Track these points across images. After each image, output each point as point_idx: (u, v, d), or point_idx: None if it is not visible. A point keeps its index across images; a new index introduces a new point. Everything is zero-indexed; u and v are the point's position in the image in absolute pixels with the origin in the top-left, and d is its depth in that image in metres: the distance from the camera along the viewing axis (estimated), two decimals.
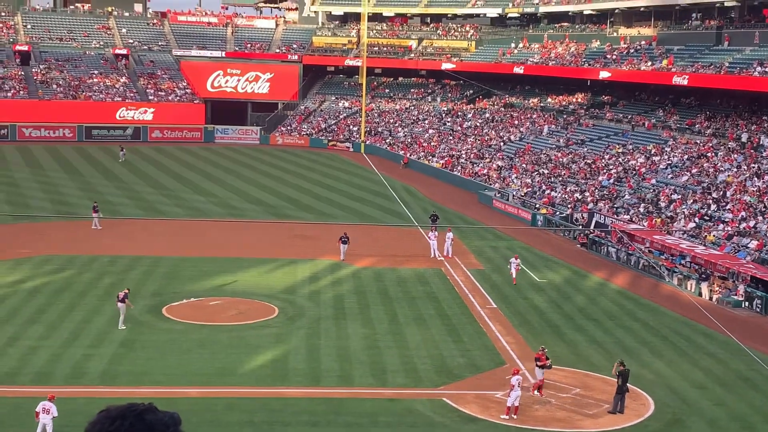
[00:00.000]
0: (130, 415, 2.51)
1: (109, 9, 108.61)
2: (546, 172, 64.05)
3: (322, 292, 37.98)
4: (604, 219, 50.70)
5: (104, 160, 75.00)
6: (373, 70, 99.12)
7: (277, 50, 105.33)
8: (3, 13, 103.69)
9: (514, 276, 40.34)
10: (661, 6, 72.87)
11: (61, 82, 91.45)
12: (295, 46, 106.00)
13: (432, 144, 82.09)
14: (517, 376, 25.14)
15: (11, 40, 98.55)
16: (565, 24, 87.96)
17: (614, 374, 25.77)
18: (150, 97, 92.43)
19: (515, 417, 24.85)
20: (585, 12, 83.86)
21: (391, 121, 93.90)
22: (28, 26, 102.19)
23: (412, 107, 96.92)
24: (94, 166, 71.81)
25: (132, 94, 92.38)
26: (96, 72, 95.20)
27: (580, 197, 56.16)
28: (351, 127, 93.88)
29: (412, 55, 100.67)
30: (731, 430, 24.79)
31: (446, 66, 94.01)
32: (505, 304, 36.98)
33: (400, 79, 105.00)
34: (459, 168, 72.43)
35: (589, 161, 63.48)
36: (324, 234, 46.53)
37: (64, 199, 57.42)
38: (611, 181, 57.80)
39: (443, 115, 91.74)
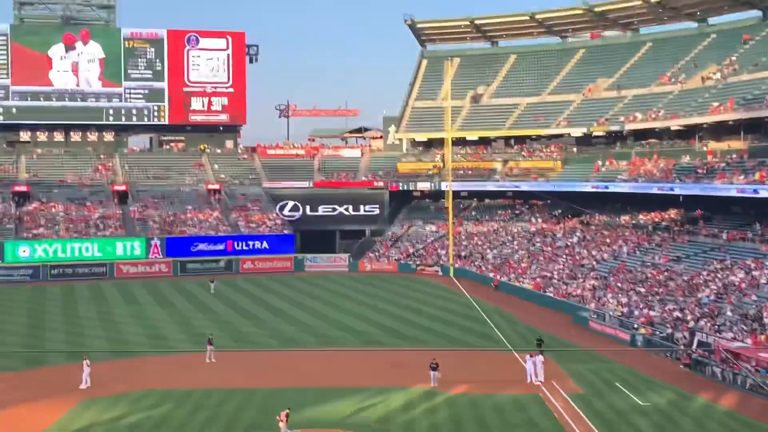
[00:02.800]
0: None
1: (202, 147, 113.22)
2: (642, 290, 62.52)
3: (417, 421, 37.18)
4: (707, 337, 48.87)
5: (198, 293, 76.35)
6: (458, 193, 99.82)
7: (364, 178, 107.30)
8: (102, 156, 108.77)
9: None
10: (749, 119, 71.99)
11: (156, 219, 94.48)
12: (380, 172, 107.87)
13: (522, 265, 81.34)
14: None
15: (110, 180, 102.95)
16: (653, 140, 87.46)
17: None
18: (242, 229, 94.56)
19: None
20: (672, 128, 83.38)
21: (480, 243, 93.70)
22: (126, 167, 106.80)
23: (500, 228, 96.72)
24: (189, 300, 73.09)
25: (224, 227, 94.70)
26: (190, 207, 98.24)
27: (679, 315, 54.43)
28: (439, 250, 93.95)
29: (497, 177, 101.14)
30: None
31: (533, 186, 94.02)
32: (609, 430, 35.52)
33: (486, 201, 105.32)
34: (551, 289, 71.34)
35: (686, 278, 61.80)
36: (416, 360, 45.90)
37: (160, 333, 58.31)
38: (711, 297, 56.00)
39: (532, 235, 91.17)
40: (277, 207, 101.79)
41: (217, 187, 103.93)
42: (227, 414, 38.07)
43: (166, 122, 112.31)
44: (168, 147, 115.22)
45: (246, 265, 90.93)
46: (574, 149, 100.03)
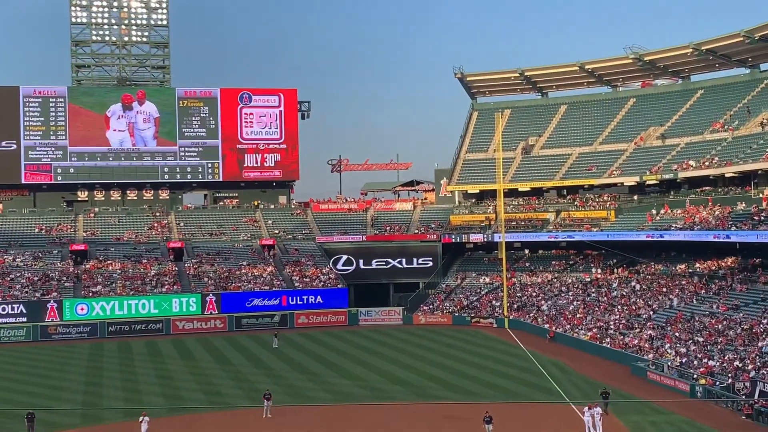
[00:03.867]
0: None
1: (256, 203, 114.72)
2: (701, 340, 61.39)
3: None
4: None
5: (253, 348, 76.74)
6: (512, 245, 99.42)
7: (416, 231, 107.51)
8: (158, 213, 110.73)
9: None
10: None
11: (211, 275, 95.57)
12: (433, 225, 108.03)
13: (578, 316, 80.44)
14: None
15: (165, 238, 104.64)
16: (707, 188, 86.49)
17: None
18: (296, 284, 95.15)
19: None
20: (726, 175, 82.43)
21: (534, 294, 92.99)
22: (181, 224, 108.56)
23: (555, 279, 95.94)
24: (244, 355, 73.48)
25: (278, 282, 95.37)
26: (244, 263, 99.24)
27: (739, 365, 53.29)
28: (493, 302, 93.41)
29: (551, 227, 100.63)
30: None
31: (586, 236, 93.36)
32: None
33: (540, 251, 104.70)
34: (608, 340, 70.36)
35: (745, 327, 60.59)
36: (472, 414, 45.47)
37: (216, 389, 58.64)
38: None
39: (587, 285, 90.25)
40: (331, 261, 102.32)
41: (270, 242, 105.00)
42: None
43: (220, 179, 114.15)
44: (222, 204, 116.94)
45: (300, 319, 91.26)
46: (630, 198, 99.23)
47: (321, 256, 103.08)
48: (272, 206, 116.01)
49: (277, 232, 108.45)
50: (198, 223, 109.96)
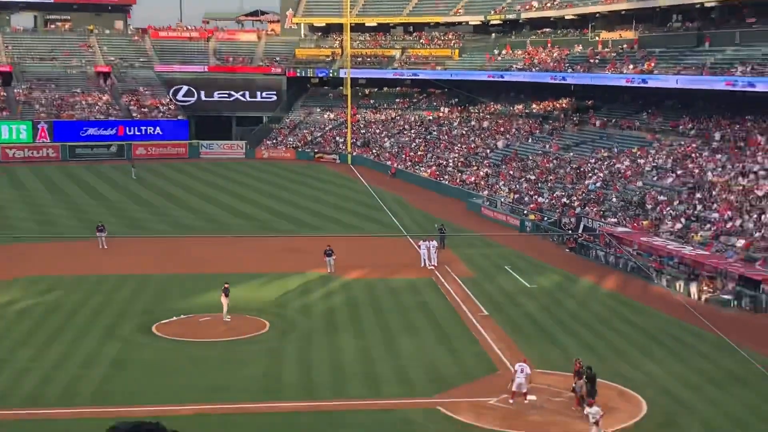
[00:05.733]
0: None
1: (90, 27, 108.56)
2: (533, 178, 64.19)
3: (313, 305, 37.87)
4: (592, 223, 50.82)
5: (89, 179, 74.71)
6: (357, 81, 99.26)
7: (260, 63, 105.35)
8: None
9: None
10: (641, 9, 73.14)
11: (43, 102, 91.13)
12: (278, 58, 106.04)
13: (419, 153, 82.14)
14: (521, 363, 26.37)
15: None
16: (547, 30, 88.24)
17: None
18: (133, 114, 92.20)
19: (513, 402, 25.98)
20: (566, 17, 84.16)
21: (377, 131, 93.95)
22: (9, 47, 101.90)
23: (398, 117, 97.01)
24: (80, 185, 71.51)
25: (115, 112, 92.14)
26: (78, 90, 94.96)
27: (567, 202, 56.28)
28: (337, 138, 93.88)
29: (396, 64, 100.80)
30: (725, 430, 24.78)
31: (430, 75, 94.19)
32: (497, 311, 36.96)
33: (385, 89, 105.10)
34: (446, 176, 72.50)
35: (575, 166, 63.66)
36: (313, 247, 46.34)
37: (50, 219, 57.14)
38: (598, 185, 57.96)
39: (429, 123, 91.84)
40: (170, 92, 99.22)
41: (106, 69, 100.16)
42: (121, 299, 37.95)
43: None
44: (54, 27, 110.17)
45: (139, 151, 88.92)
46: (474, 37, 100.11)
47: (160, 85, 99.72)
48: (108, 32, 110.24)
49: (113, 59, 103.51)
50: (28, 46, 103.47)
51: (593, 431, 22.79)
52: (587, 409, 23.17)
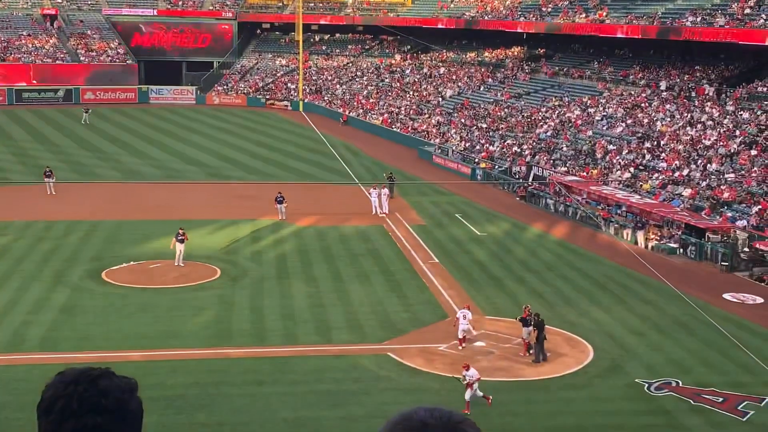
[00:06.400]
0: (84, 380, 2.43)
1: None
2: (484, 126, 64.41)
3: (264, 252, 37.88)
4: (542, 171, 51.30)
5: (36, 124, 73.31)
6: (309, 27, 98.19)
7: (211, 7, 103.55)
8: None
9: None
10: None
11: None
12: (228, 2, 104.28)
13: (371, 101, 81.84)
14: (463, 310, 27.17)
15: None
16: None
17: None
18: (81, 58, 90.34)
19: (462, 348, 26.57)
20: None
21: (329, 78, 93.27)
22: None
23: (350, 64, 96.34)
24: (26, 130, 70.17)
25: (62, 55, 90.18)
26: (24, 33, 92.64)
27: (518, 150, 56.66)
28: (289, 85, 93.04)
29: (349, 10, 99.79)
30: (668, 374, 25.46)
31: (383, 21, 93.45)
32: (447, 258, 37.31)
33: (337, 35, 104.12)
34: (398, 124, 72.41)
35: (526, 114, 63.95)
36: (265, 194, 46.21)
37: None
38: (548, 133, 58.38)
39: (381, 70, 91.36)
40: (119, 35, 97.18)
41: (53, 12, 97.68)
42: (70, 245, 37.60)
43: None
44: None
45: (87, 95, 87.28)
46: None
47: (108, 29, 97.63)
48: None
49: (60, 1, 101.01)
50: None
51: (467, 394, 22.35)
52: (464, 372, 22.64)
